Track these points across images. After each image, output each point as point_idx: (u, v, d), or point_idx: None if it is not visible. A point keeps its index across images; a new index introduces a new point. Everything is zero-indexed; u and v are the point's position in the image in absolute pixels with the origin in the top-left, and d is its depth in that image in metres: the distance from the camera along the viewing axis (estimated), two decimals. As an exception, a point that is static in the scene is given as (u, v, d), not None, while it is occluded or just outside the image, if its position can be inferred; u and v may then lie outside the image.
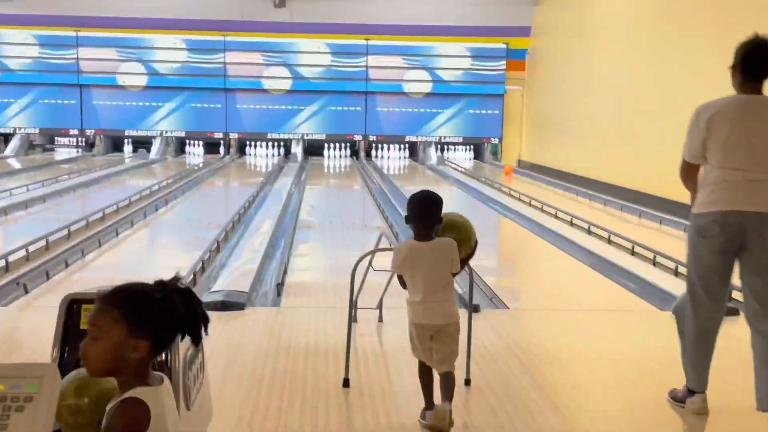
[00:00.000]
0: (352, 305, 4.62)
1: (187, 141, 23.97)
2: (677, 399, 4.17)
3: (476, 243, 3.88)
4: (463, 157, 23.67)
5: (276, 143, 23.62)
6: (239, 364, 4.71)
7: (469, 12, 22.46)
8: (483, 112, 23.59)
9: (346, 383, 4.30)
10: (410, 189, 10.00)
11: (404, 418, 3.88)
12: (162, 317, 1.96)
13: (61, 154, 23.15)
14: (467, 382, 4.34)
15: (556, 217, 12.01)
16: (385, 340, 5.30)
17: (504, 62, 23.11)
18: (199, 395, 2.81)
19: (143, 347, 1.94)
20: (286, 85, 23.24)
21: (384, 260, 4.26)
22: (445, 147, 23.80)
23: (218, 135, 23.45)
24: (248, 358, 4.83)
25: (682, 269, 7.41)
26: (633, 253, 9.00)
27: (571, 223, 11.28)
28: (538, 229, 10.92)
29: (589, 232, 10.55)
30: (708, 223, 3.84)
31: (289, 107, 23.40)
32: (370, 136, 23.58)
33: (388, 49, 23.06)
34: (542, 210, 12.78)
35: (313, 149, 23.61)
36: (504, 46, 22.98)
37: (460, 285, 5.93)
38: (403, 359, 4.59)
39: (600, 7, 16.96)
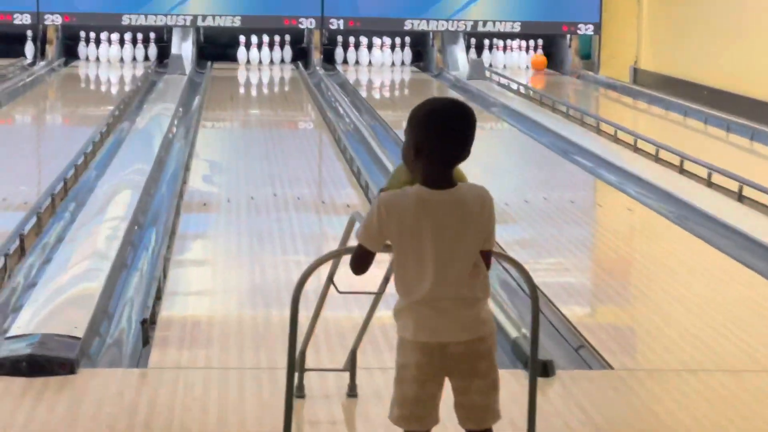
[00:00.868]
0: (296, 364, 3.05)
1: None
2: None
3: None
4: (522, 61, 15.16)
5: (139, 35, 14.35)
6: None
7: None
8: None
9: None
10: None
11: None
12: None
13: None
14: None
15: (709, 184, 7.37)
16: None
17: None
18: None
19: None
20: None
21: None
22: (487, 42, 14.87)
23: (22, 20, 13.81)
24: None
25: None
26: None
27: (740, 197, 7.09)
28: (680, 208, 6.62)
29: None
30: None
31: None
32: (332, 21, 14.11)
33: None
34: (683, 171, 7.71)
35: (217, 48, 14.71)
36: None
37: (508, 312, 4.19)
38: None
39: None
